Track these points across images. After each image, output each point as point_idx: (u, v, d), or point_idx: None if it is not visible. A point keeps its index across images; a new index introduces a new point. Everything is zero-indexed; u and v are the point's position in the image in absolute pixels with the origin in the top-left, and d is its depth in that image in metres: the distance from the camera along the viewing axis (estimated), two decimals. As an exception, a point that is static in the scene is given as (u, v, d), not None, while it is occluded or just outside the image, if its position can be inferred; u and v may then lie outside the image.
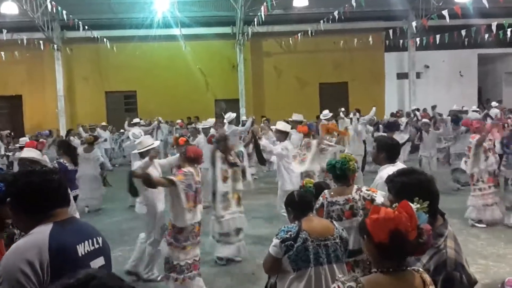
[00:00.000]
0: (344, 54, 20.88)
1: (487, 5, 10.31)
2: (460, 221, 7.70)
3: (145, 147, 5.72)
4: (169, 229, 5.01)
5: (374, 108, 12.12)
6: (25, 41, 16.28)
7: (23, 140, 10.40)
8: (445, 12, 12.20)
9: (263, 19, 15.27)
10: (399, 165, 3.91)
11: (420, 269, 2.01)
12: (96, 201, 9.96)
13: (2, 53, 17.23)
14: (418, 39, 16.81)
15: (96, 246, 2.08)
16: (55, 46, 19.20)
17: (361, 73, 21.32)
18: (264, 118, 16.91)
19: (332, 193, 3.80)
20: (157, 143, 6.27)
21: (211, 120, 11.16)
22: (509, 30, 13.18)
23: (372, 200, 3.60)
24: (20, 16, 16.36)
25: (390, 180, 2.46)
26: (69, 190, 2.28)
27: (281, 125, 7.49)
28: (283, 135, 7.31)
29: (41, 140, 12.99)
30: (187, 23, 18.90)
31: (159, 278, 5.63)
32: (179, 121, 17.62)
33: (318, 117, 16.10)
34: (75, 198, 6.59)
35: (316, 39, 18.89)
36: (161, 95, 20.38)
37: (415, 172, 2.46)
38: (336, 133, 9.34)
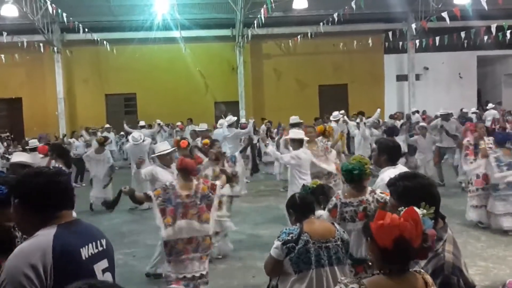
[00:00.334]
0: (343, 56, 20.91)
1: (486, 7, 10.33)
2: (460, 223, 7.70)
3: (159, 152, 6.01)
4: None
5: (378, 110, 12.14)
6: (25, 44, 16.29)
7: (33, 142, 10.55)
8: (444, 14, 12.22)
9: (263, 21, 15.29)
10: (400, 168, 3.94)
11: (422, 270, 2.02)
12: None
13: (2, 55, 17.23)
14: (417, 41, 16.86)
15: (100, 248, 2.07)
16: (55, 48, 19.20)
17: (360, 75, 21.34)
18: (266, 121, 16.93)
19: (345, 194, 3.83)
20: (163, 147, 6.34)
21: (204, 125, 11.31)
22: (508, 32, 13.21)
23: (386, 203, 3.60)
24: (20, 18, 16.37)
25: (392, 183, 2.45)
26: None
27: (292, 133, 7.05)
28: (296, 143, 6.77)
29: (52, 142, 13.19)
30: (187, 26, 18.92)
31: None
32: (179, 123, 17.65)
33: (316, 119, 16.14)
34: None
35: (316, 41, 18.92)
36: (161, 97, 20.39)
37: (417, 176, 2.47)
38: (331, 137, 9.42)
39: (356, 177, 3.78)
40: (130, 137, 10.23)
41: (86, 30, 16.62)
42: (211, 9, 19.56)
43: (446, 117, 11.57)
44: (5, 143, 15.39)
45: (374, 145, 6.58)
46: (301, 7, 15.52)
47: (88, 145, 13.96)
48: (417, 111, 18.16)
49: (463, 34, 14.62)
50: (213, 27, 19.94)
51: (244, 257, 6.63)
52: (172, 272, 4.70)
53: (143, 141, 10.20)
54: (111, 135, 16.61)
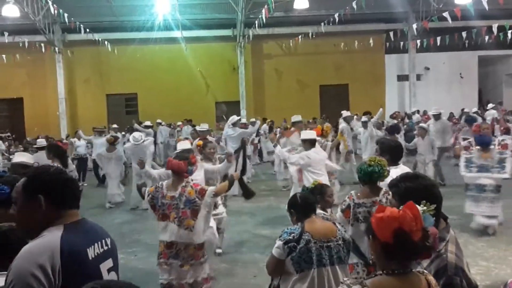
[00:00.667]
0: (344, 56, 20.92)
1: (486, 7, 10.33)
2: (461, 223, 7.70)
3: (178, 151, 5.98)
4: None
5: (380, 110, 12.16)
6: (26, 44, 16.31)
7: (41, 141, 10.83)
8: (445, 14, 12.22)
9: (264, 21, 15.31)
10: (402, 168, 3.96)
11: (425, 271, 2.01)
12: (119, 197, 10.64)
13: (4, 55, 17.27)
14: (418, 41, 16.85)
15: (105, 248, 2.07)
16: (56, 48, 19.25)
17: (361, 75, 21.36)
18: (268, 120, 16.94)
19: (358, 194, 3.83)
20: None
21: (205, 125, 11.36)
22: (509, 32, 13.19)
23: None
24: (22, 18, 16.41)
25: (394, 185, 2.46)
26: None
27: (304, 134, 7.06)
28: (307, 144, 6.75)
29: (64, 141, 13.38)
30: (188, 26, 18.96)
31: None
32: (180, 123, 17.67)
33: (314, 118, 16.17)
34: None
35: (317, 41, 18.93)
36: (162, 97, 20.43)
37: (419, 177, 2.46)
38: (331, 136, 9.51)
39: (374, 179, 3.77)
40: (130, 137, 10.29)
41: (87, 30, 16.64)
42: (212, 9, 19.58)
43: (437, 116, 11.75)
44: (6, 143, 15.41)
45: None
46: (302, 7, 15.52)
47: (89, 145, 14.01)
48: (417, 111, 18.17)
49: (464, 34, 14.61)
50: (214, 27, 19.98)
51: (245, 256, 6.63)
52: (160, 274, 4.61)
53: (144, 141, 10.22)
54: (118, 135, 16.64)
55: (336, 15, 14.67)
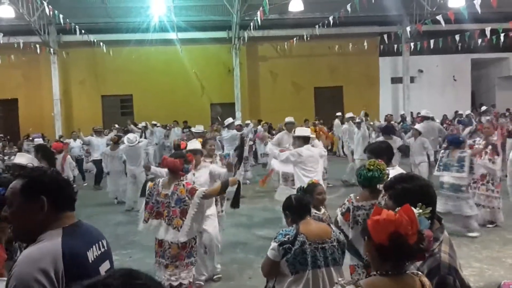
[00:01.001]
0: (339, 58, 20.98)
1: (479, 11, 10.42)
2: (455, 224, 7.75)
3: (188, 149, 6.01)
4: None
5: (362, 112, 12.24)
6: (21, 45, 16.23)
7: (38, 141, 11.22)
8: (439, 17, 12.30)
9: (259, 23, 15.35)
10: (398, 169, 4.04)
11: (419, 272, 2.03)
12: (123, 193, 10.95)
13: (-2, 56, 17.22)
14: (412, 44, 16.94)
15: (102, 249, 2.06)
16: (52, 49, 19.18)
17: (356, 78, 21.45)
18: (264, 122, 16.96)
19: (357, 197, 3.82)
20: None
21: (200, 127, 11.40)
22: (502, 35, 13.29)
23: None
24: (17, 19, 16.32)
25: (390, 186, 2.47)
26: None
27: (298, 131, 7.03)
28: (301, 141, 6.74)
29: (65, 141, 13.50)
30: (183, 28, 18.96)
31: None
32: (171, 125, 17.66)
33: (306, 120, 16.24)
34: None
35: (312, 43, 18.98)
36: (157, 99, 20.40)
37: (414, 178, 2.49)
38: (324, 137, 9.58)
39: (374, 184, 3.78)
40: (125, 139, 10.34)
41: (83, 31, 16.59)
42: (207, 11, 19.60)
43: (424, 119, 11.96)
44: (0, 144, 15.33)
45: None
46: (297, 9, 15.57)
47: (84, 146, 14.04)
48: (404, 115, 18.39)
49: (457, 37, 14.71)
50: (209, 29, 19.98)
51: (241, 258, 6.65)
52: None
53: (138, 142, 10.26)
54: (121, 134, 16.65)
55: (330, 18, 14.72)
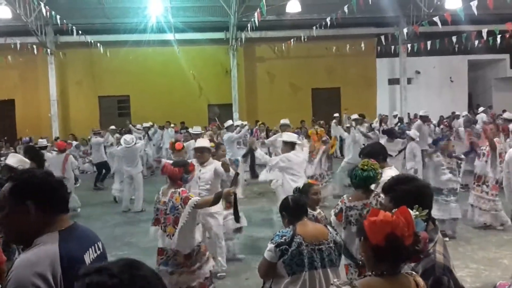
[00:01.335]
0: (336, 59, 21.01)
1: (476, 12, 10.46)
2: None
3: (195, 146, 6.11)
4: None
5: (344, 115, 12.28)
6: (18, 46, 16.20)
7: (42, 141, 11.24)
8: (436, 19, 12.34)
9: (257, 24, 15.36)
10: (394, 169, 4.11)
11: (414, 272, 2.05)
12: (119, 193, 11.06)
13: (-5, 57, 17.17)
14: (409, 45, 16.98)
15: (98, 252, 2.05)
16: (49, 50, 19.12)
17: (353, 79, 21.47)
18: (260, 123, 16.96)
19: (350, 198, 3.89)
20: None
21: (198, 128, 11.41)
22: (498, 36, 13.35)
23: None
24: (14, 20, 16.29)
25: (390, 188, 2.48)
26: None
27: (286, 136, 7.07)
28: (288, 146, 6.73)
29: (68, 141, 13.55)
30: (181, 28, 18.96)
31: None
32: (172, 125, 17.63)
33: (302, 121, 16.20)
34: None
35: (309, 45, 19.00)
36: (155, 99, 20.36)
37: (412, 179, 2.51)
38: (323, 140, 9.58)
39: (368, 184, 3.83)
40: (122, 140, 10.30)
41: (80, 32, 16.56)
42: (205, 12, 19.59)
43: (425, 119, 12.00)
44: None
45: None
46: (295, 11, 15.61)
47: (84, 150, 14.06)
48: (398, 116, 18.40)
49: (454, 38, 14.74)
50: (207, 30, 19.97)
51: (237, 259, 6.64)
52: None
53: (135, 143, 10.23)
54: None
55: (328, 19, 14.75)
